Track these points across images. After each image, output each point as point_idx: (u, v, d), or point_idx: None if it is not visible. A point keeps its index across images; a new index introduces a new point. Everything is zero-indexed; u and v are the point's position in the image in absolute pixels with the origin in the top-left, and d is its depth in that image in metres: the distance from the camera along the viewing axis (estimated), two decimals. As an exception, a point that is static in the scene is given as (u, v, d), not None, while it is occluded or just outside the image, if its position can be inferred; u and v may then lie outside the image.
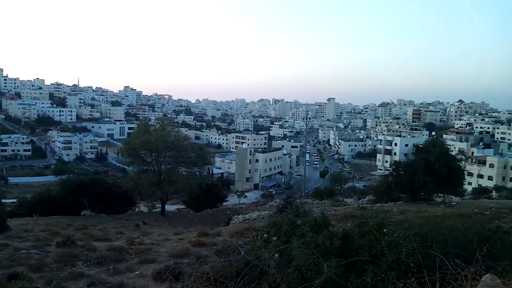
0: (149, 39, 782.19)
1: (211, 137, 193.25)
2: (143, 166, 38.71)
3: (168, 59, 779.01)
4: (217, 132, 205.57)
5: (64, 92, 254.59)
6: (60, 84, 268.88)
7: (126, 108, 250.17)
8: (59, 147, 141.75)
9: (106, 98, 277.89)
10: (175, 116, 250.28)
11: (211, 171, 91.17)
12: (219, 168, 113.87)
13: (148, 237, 20.35)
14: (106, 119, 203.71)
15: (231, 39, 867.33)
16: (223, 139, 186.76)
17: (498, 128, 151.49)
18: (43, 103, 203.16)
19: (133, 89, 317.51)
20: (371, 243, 7.77)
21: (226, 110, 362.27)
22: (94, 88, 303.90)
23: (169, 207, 43.64)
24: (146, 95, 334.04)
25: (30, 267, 11.61)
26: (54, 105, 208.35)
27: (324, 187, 73.52)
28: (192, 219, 33.76)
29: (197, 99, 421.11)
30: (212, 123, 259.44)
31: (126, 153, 39.74)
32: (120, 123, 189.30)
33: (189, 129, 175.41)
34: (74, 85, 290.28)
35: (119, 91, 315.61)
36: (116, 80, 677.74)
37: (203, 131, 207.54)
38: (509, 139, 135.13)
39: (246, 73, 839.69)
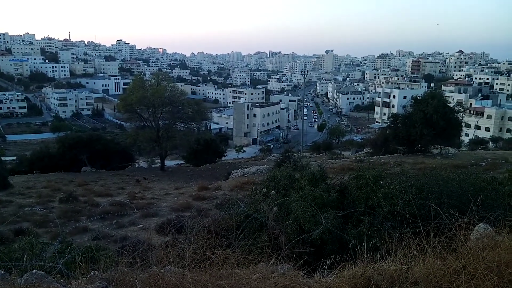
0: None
1: (208, 92, 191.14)
2: (141, 122, 38.66)
3: (161, 10, 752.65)
4: (214, 86, 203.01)
5: (55, 47, 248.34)
6: (51, 39, 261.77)
7: (120, 63, 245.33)
8: (54, 104, 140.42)
9: (99, 52, 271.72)
10: (170, 70, 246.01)
11: (208, 126, 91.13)
12: (217, 124, 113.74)
13: (149, 192, 20.72)
14: (100, 75, 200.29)
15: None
16: (220, 94, 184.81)
17: (497, 79, 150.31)
18: (35, 59, 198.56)
19: (126, 43, 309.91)
20: (368, 195, 7.93)
21: (222, 64, 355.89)
22: (86, 42, 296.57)
23: (168, 163, 44.06)
24: (140, 49, 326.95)
25: (35, 223, 11.91)
26: (47, 60, 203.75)
27: (322, 140, 73.90)
28: (192, 174, 34.20)
29: (192, 53, 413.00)
30: (208, 78, 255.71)
31: (123, 109, 39.50)
32: (114, 79, 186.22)
33: (185, 84, 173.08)
34: (65, 39, 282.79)
35: (112, 45, 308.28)
36: (108, 33, 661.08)
37: (199, 86, 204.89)
38: (507, 90, 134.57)
39: (242, 25, 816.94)
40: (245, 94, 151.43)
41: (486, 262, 3.71)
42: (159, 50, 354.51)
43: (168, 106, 37.13)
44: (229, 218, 7.56)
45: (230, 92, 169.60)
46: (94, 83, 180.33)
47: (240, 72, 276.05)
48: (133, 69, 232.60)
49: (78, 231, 10.36)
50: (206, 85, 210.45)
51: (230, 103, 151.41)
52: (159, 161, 40.11)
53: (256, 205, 7.92)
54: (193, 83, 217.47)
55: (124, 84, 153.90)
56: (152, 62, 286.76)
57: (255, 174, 25.71)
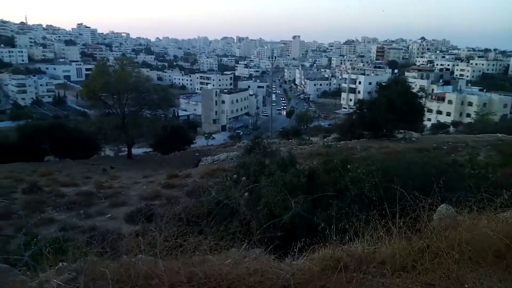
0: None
1: (174, 78, 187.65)
2: (105, 110, 37.52)
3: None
4: (181, 72, 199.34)
5: (11, 31, 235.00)
6: (5, 22, 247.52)
7: (81, 48, 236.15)
8: (12, 91, 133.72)
9: (59, 37, 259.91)
10: (135, 55, 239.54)
11: (176, 113, 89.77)
12: (185, 110, 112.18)
13: (117, 181, 20.30)
14: (61, 60, 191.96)
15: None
16: (187, 80, 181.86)
17: (457, 65, 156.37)
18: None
19: (87, 27, 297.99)
20: (336, 179, 8.13)
21: (189, 49, 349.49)
22: (44, 26, 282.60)
23: (136, 151, 43.19)
24: (102, 33, 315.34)
25: (-4, 215, 11.42)
26: (2, 45, 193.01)
27: (290, 126, 74.55)
28: (161, 162, 33.73)
29: (157, 38, 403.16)
30: (175, 63, 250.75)
31: (86, 96, 38.18)
32: (76, 64, 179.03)
33: (150, 70, 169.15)
34: (22, 23, 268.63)
35: (72, 29, 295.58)
36: (67, 16, 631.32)
37: (165, 72, 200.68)
38: (467, 76, 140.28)
39: (208, 8, 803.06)
40: (213, 80, 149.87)
41: (448, 241, 3.90)
42: (122, 34, 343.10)
43: (133, 92, 36.18)
44: (200, 205, 7.55)
45: (197, 78, 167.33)
46: (55, 68, 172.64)
47: (207, 57, 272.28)
48: (96, 54, 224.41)
49: (43, 222, 10.04)
50: (172, 71, 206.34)
51: (197, 89, 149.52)
52: (126, 149, 39.25)
53: (227, 191, 7.94)
54: (159, 68, 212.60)
55: (87, 70, 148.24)
56: (115, 47, 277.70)
57: (225, 161, 25.70)
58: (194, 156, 34.31)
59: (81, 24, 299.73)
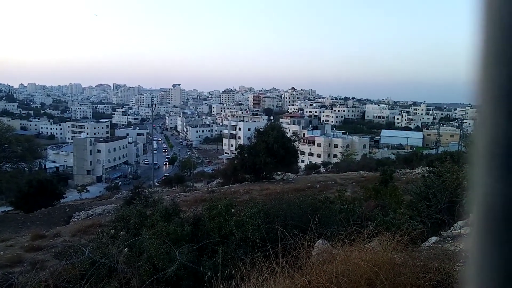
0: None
1: (42, 127, 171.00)
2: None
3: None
4: (49, 121, 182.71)
5: None
6: None
7: None
8: None
9: None
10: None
11: (43, 165, 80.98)
12: (54, 162, 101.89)
13: (-36, 249, 17.01)
14: None
15: (59, 12, 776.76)
16: (56, 129, 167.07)
17: (323, 112, 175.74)
18: None
19: None
20: (221, 224, 8.10)
21: (59, 96, 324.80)
22: None
23: (-9, 211, 37.19)
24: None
25: None
26: None
27: (173, 174, 73.08)
28: (24, 222, 29.57)
29: (21, 84, 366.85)
30: (42, 111, 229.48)
31: None
32: None
33: (12, 119, 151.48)
34: None
35: None
36: None
37: (31, 121, 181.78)
38: (332, 121, 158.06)
39: (81, 54, 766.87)
40: (87, 128, 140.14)
41: (327, 274, 4.12)
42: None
43: (-10, 144, 31.83)
44: (71, 267, 6.72)
45: (69, 126, 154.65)
46: None
47: (80, 105, 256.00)
48: None
49: None
50: (39, 119, 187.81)
51: (69, 138, 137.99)
52: (-21, 210, 33.60)
53: (104, 249, 7.27)
54: (23, 117, 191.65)
55: None
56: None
57: (102, 215, 23.84)
58: (65, 212, 31.02)
59: None
